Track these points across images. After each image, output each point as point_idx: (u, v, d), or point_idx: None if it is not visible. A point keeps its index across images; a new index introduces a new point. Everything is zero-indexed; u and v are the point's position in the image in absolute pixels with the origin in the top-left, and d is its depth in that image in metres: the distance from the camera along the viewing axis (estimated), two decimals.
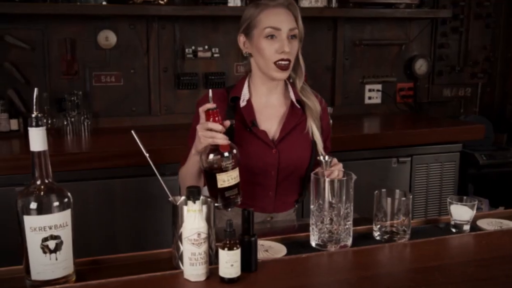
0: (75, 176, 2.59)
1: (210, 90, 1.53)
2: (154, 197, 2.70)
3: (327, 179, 1.42)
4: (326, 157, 1.57)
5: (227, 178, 1.46)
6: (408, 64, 3.88)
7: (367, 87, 3.84)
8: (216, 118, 1.48)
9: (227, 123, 1.52)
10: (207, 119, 1.49)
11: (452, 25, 3.90)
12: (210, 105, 1.49)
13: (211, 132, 1.47)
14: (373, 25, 3.76)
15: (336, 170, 1.56)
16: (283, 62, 1.72)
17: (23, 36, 3.06)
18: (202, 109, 1.52)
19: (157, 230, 2.75)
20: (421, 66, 3.88)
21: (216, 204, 1.46)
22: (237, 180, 1.50)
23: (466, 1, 3.89)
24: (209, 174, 1.49)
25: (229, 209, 1.55)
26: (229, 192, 1.48)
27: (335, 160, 1.62)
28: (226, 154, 1.48)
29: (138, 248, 2.90)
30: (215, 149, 1.48)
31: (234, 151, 1.50)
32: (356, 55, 3.78)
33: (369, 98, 3.87)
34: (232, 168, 1.48)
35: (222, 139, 1.47)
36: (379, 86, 3.86)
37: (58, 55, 3.14)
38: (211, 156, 1.48)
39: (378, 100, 3.88)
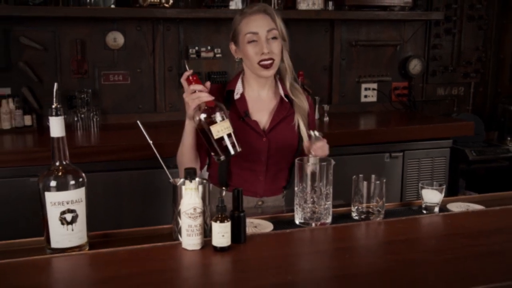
0: (85, 168, 2.71)
1: (185, 60, 1.70)
2: (159, 188, 2.85)
3: (308, 164, 1.60)
4: (316, 133, 1.75)
5: (220, 128, 1.61)
6: (402, 64, 4.04)
7: (363, 86, 4.00)
8: (197, 81, 1.65)
9: (208, 84, 1.69)
10: (189, 85, 1.66)
11: (445, 27, 4.06)
12: (188, 72, 1.67)
13: (195, 94, 1.65)
14: (368, 27, 3.92)
15: (324, 147, 1.76)
16: (265, 62, 1.89)
17: (37, 37, 3.23)
18: (183, 79, 1.69)
19: (161, 219, 2.90)
20: (415, 66, 4.03)
21: (220, 158, 1.64)
22: (230, 130, 1.64)
23: (458, 3, 4.05)
24: (204, 131, 1.65)
25: (234, 154, 1.66)
26: (225, 141, 1.63)
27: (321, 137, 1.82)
28: (217, 110, 1.63)
29: None
30: (204, 109, 1.64)
31: (221, 105, 1.66)
32: (352, 55, 3.94)
33: (365, 96, 4.03)
34: (222, 120, 1.63)
35: (206, 96, 1.64)
36: (374, 85, 4.02)
37: (69, 55, 3.31)
38: (201, 115, 1.64)
39: (374, 99, 4.04)
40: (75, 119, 3.18)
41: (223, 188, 2.00)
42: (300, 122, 2.02)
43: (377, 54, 4.00)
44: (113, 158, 2.81)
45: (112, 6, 3.17)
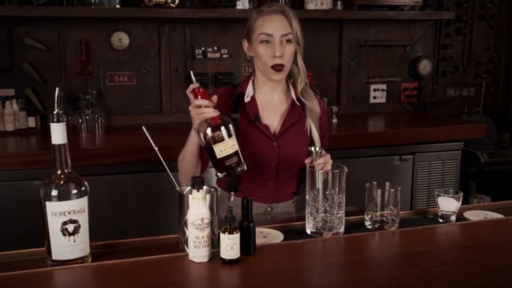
0: (88, 171, 2.67)
1: (191, 72, 1.63)
2: (164, 191, 2.80)
3: (320, 171, 1.53)
4: (317, 148, 1.70)
5: (224, 148, 1.55)
6: (412, 65, 3.97)
7: (372, 87, 3.94)
8: (203, 95, 1.58)
9: (214, 98, 1.62)
10: (195, 98, 1.59)
11: (456, 27, 3.98)
12: (194, 85, 1.60)
13: (200, 109, 1.58)
14: (378, 27, 3.85)
15: (328, 163, 1.69)
16: (276, 65, 1.84)
17: (41, 37, 3.18)
18: (189, 91, 1.62)
19: (166, 223, 2.84)
20: (425, 66, 3.96)
21: (222, 175, 1.58)
22: (235, 148, 1.57)
23: (470, 3, 3.97)
24: (208, 148, 1.59)
25: (238, 172, 1.61)
26: (229, 160, 1.56)
27: (324, 152, 1.76)
28: (222, 128, 1.56)
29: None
30: (209, 123, 1.58)
31: (227, 121, 1.59)
32: (361, 56, 3.87)
33: (374, 97, 3.96)
34: (228, 137, 1.56)
35: (211, 113, 1.57)
36: (384, 86, 3.95)
37: (73, 56, 3.26)
38: (206, 131, 1.58)
39: (383, 100, 3.97)
40: (79, 120, 3.13)
41: (232, 193, 1.95)
42: (312, 126, 1.96)
43: (386, 55, 3.93)
44: (118, 160, 2.77)
45: (117, 6, 3.12)
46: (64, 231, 1.27)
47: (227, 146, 1.55)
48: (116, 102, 3.40)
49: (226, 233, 1.28)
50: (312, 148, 1.76)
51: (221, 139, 1.56)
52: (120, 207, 2.83)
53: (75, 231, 1.28)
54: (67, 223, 1.27)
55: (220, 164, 1.57)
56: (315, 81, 3.67)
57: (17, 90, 3.18)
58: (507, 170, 3.73)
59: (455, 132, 3.43)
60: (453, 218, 1.64)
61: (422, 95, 4.02)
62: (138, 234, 2.81)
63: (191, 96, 1.62)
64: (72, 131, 3.09)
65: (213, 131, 1.57)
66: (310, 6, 3.44)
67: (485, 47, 4.10)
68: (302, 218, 1.62)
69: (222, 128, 1.57)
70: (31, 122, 3.13)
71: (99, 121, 3.16)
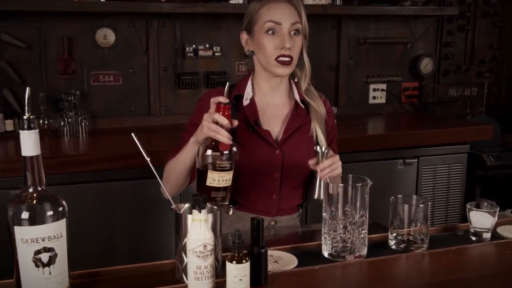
0: (72, 179, 2.52)
1: (228, 83, 1.45)
2: (155, 200, 2.60)
3: (339, 185, 1.33)
4: (323, 148, 1.51)
5: (218, 178, 1.38)
6: (413, 63, 3.81)
7: (372, 86, 3.77)
8: (226, 113, 1.40)
9: (235, 122, 1.43)
10: (216, 111, 1.41)
11: (458, 23, 3.83)
12: (223, 99, 1.41)
13: (216, 126, 1.39)
14: (378, 23, 3.69)
15: (335, 165, 1.55)
16: (284, 58, 1.65)
17: (19, 34, 2.99)
18: (214, 100, 1.44)
19: (158, 235, 2.67)
20: (426, 65, 3.80)
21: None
22: (228, 183, 1.41)
23: None
24: (201, 169, 1.42)
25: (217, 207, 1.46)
26: (215, 193, 1.40)
27: (332, 152, 1.58)
28: (225, 152, 1.40)
29: (138, 254, 2.81)
30: (215, 145, 1.40)
31: (234, 149, 1.42)
32: (360, 54, 3.70)
33: (374, 98, 3.79)
34: (227, 170, 1.39)
35: (224, 137, 1.39)
36: (383, 86, 3.78)
37: (55, 54, 3.07)
38: (208, 151, 1.40)
39: (383, 100, 3.80)
40: (62, 123, 2.93)
41: (231, 206, 1.74)
42: (317, 130, 1.77)
43: (386, 53, 3.76)
44: (104, 167, 2.59)
45: (102, 0, 2.92)
46: (37, 262, 1.05)
47: (222, 179, 1.38)
48: (101, 103, 3.21)
49: (234, 262, 1.07)
50: (318, 148, 1.57)
51: (220, 169, 1.38)
52: (107, 217, 2.64)
53: (51, 261, 1.06)
54: (40, 252, 1.05)
55: (204, 189, 1.39)
56: (312, 81, 3.48)
57: None
58: None
59: (461, 134, 3.28)
60: (487, 235, 1.45)
61: (423, 95, 3.85)
62: (127, 248, 2.65)
63: (213, 106, 1.44)
64: (53, 135, 2.94)
65: (215, 155, 1.39)
66: (308, 0, 3.25)
67: (488, 45, 3.94)
68: (308, 234, 1.43)
69: (226, 158, 1.39)
70: (9, 125, 2.94)
71: (83, 124, 2.97)
